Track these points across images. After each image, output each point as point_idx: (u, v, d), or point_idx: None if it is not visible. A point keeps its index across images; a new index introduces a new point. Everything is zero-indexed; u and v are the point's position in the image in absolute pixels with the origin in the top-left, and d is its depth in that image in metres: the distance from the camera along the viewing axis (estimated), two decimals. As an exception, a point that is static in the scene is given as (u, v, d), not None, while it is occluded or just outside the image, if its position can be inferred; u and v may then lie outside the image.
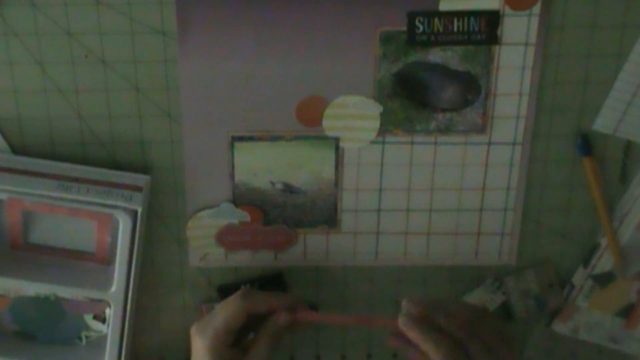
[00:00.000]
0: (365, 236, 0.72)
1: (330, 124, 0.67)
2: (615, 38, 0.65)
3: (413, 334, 0.58)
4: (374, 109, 0.67)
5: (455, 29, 0.64)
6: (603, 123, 0.68)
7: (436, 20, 0.64)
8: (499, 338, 0.59)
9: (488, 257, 0.73)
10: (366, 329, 0.76)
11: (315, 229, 0.71)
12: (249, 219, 0.70)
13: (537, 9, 0.64)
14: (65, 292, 0.67)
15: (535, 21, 0.64)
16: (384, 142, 0.68)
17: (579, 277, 0.74)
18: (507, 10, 0.64)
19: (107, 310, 0.69)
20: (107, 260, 0.69)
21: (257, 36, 0.64)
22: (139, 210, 0.65)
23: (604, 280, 0.73)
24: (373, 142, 0.68)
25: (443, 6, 0.63)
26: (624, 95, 0.67)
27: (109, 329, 0.68)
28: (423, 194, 0.70)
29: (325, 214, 0.70)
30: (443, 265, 0.73)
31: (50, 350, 0.72)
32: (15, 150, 0.67)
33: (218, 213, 0.70)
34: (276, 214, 0.70)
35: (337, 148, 0.68)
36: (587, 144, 0.68)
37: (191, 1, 0.62)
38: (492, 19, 0.64)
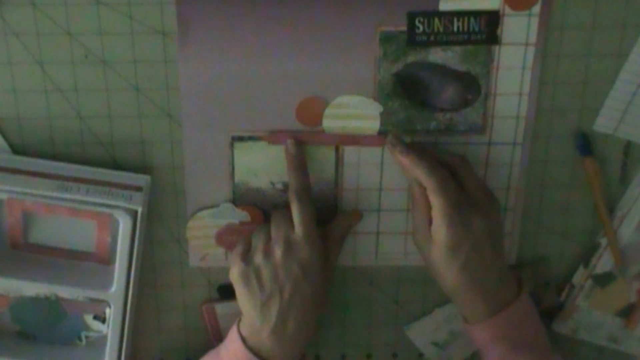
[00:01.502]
0: (365, 236, 0.72)
1: (330, 124, 0.67)
2: (615, 38, 0.65)
3: (395, 150, 0.65)
4: (374, 109, 0.67)
5: (455, 29, 0.64)
6: (603, 123, 0.68)
7: (436, 20, 0.64)
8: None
9: (488, 257, 0.73)
10: (366, 329, 0.76)
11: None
12: (249, 219, 0.70)
13: (537, 9, 0.64)
14: (65, 292, 0.67)
15: (535, 21, 0.64)
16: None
17: (579, 277, 0.74)
18: (507, 10, 0.64)
19: (107, 310, 0.69)
20: (107, 260, 0.69)
21: (257, 36, 0.64)
22: (139, 210, 0.65)
23: (604, 280, 0.73)
24: (373, 142, 0.68)
25: (443, 6, 0.63)
26: (624, 95, 0.67)
27: (109, 329, 0.68)
28: (423, 194, 0.70)
29: (325, 214, 0.70)
30: (443, 265, 0.73)
31: (50, 350, 0.72)
32: (15, 150, 0.67)
33: (218, 213, 0.70)
34: (276, 214, 0.70)
35: (337, 148, 0.68)
36: (587, 144, 0.68)
37: (191, 1, 0.62)
38: (492, 19, 0.64)
